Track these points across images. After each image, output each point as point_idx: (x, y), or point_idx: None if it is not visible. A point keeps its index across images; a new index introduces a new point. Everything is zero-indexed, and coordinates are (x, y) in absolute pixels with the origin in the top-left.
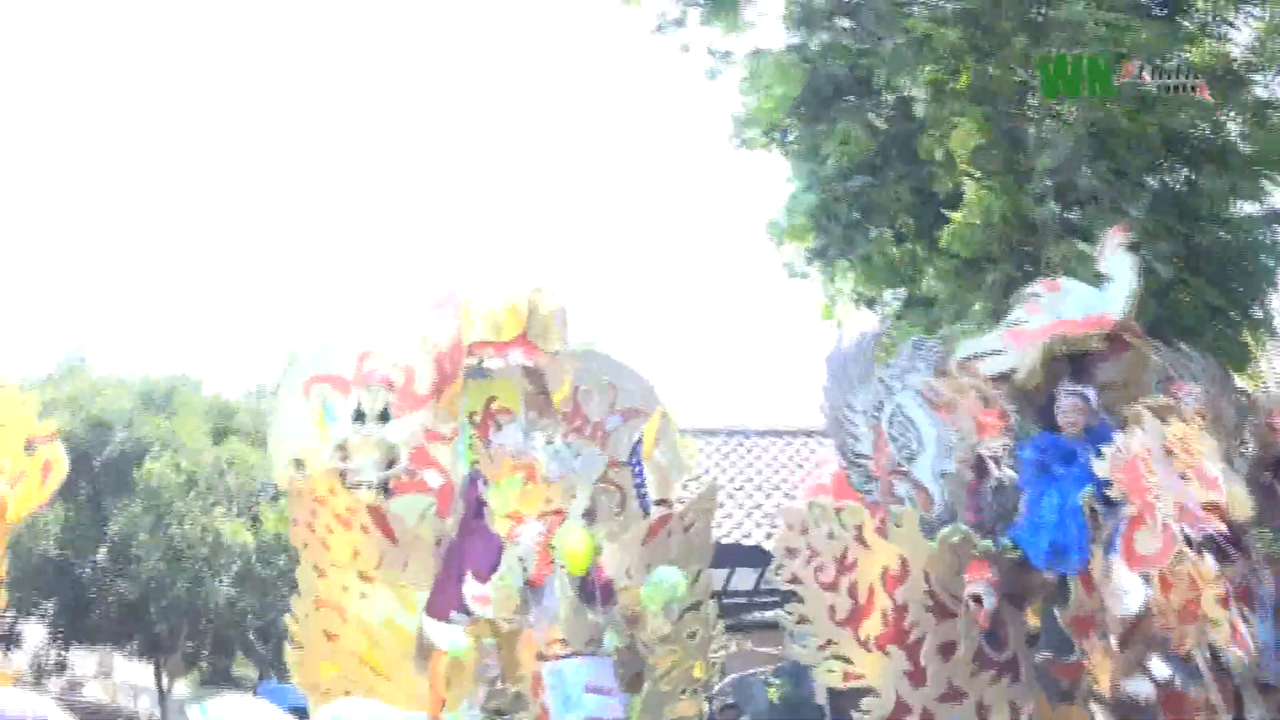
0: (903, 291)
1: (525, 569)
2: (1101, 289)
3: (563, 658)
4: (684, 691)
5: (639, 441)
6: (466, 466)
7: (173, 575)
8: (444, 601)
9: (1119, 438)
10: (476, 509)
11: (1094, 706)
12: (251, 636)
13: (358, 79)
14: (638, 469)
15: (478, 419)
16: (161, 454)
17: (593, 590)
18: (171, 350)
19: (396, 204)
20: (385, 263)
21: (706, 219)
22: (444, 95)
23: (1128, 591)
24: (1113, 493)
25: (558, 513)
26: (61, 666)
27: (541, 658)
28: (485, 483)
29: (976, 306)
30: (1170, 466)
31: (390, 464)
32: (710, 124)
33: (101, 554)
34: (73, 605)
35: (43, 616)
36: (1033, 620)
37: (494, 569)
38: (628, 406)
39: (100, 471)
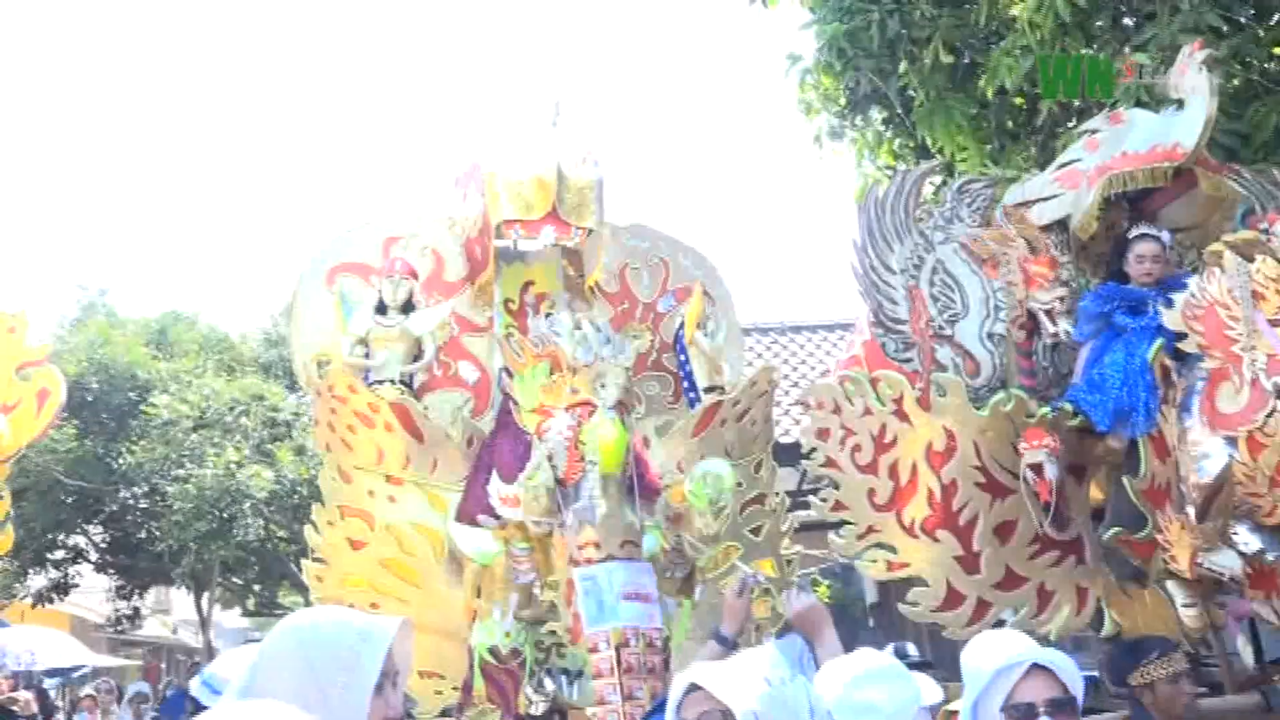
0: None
1: (555, 467)
2: (1170, 115)
3: (597, 562)
4: (750, 592)
5: (681, 324)
6: (502, 358)
7: (198, 512)
8: (472, 504)
9: (1193, 282)
10: (506, 404)
11: (1171, 585)
12: (292, 564)
13: None
14: (681, 353)
15: (514, 306)
16: (168, 391)
17: (632, 488)
18: (183, 284)
19: (413, 79)
20: (410, 146)
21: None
22: None
23: (1208, 455)
24: (1187, 346)
25: (586, 404)
26: (136, 613)
27: (574, 563)
28: (511, 375)
29: (1019, 156)
30: (1259, 311)
31: (415, 358)
32: None
33: (128, 494)
34: (113, 547)
35: (87, 559)
36: (1098, 493)
37: (523, 468)
38: (682, 285)
39: (110, 416)
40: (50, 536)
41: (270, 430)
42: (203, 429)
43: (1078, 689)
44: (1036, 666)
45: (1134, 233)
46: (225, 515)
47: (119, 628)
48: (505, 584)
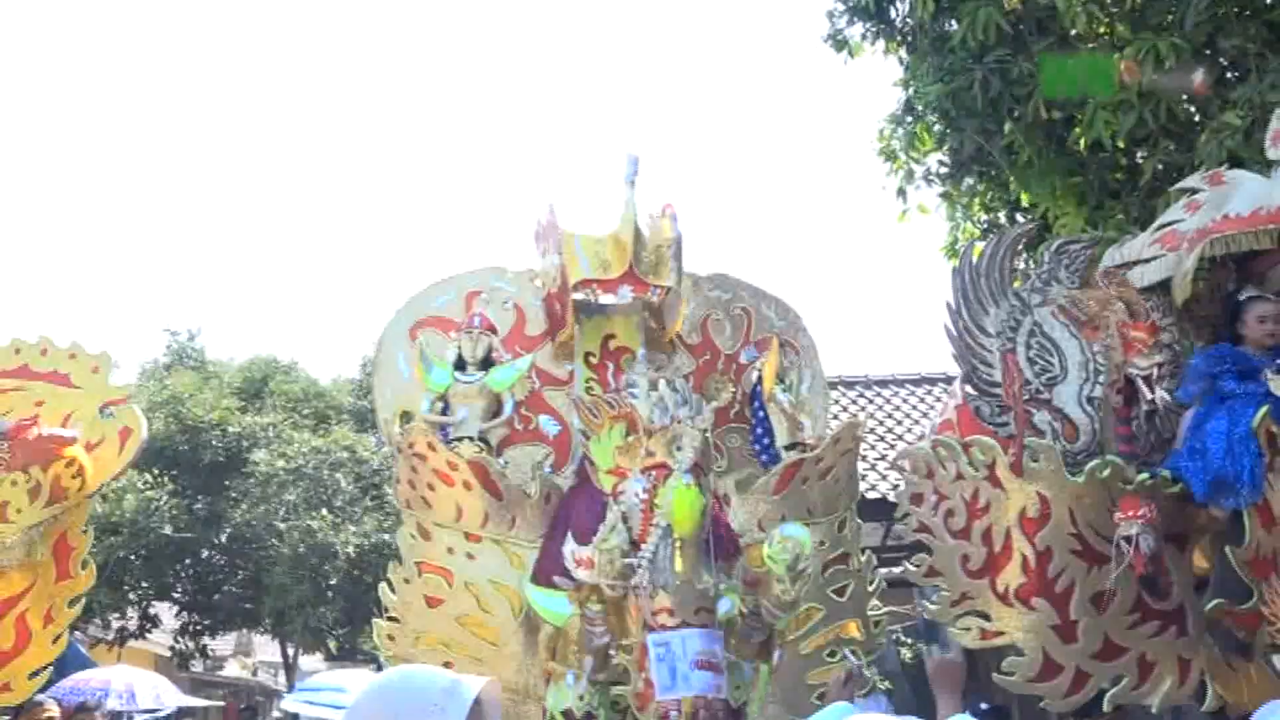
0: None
1: (630, 529)
2: (1275, 177)
3: (671, 629)
4: (832, 654)
5: (759, 379)
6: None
7: (286, 564)
8: (549, 565)
9: None
10: (583, 464)
11: (1278, 659)
12: (374, 609)
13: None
14: (758, 410)
15: (595, 359)
16: (264, 444)
17: (708, 550)
18: (274, 328)
19: (503, 132)
20: (500, 197)
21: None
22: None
23: None
24: None
25: (662, 466)
26: (203, 650)
27: (648, 628)
28: (586, 436)
29: (1119, 216)
30: None
31: (495, 414)
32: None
33: (222, 539)
34: (199, 590)
35: (175, 602)
36: (1201, 563)
37: (598, 530)
38: (764, 336)
39: (204, 472)
40: (136, 579)
41: (359, 484)
42: (297, 483)
43: None
44: None
45: (1245, 295)
46: (318, 573)
47: (188, 661)
48: (580, 646)
